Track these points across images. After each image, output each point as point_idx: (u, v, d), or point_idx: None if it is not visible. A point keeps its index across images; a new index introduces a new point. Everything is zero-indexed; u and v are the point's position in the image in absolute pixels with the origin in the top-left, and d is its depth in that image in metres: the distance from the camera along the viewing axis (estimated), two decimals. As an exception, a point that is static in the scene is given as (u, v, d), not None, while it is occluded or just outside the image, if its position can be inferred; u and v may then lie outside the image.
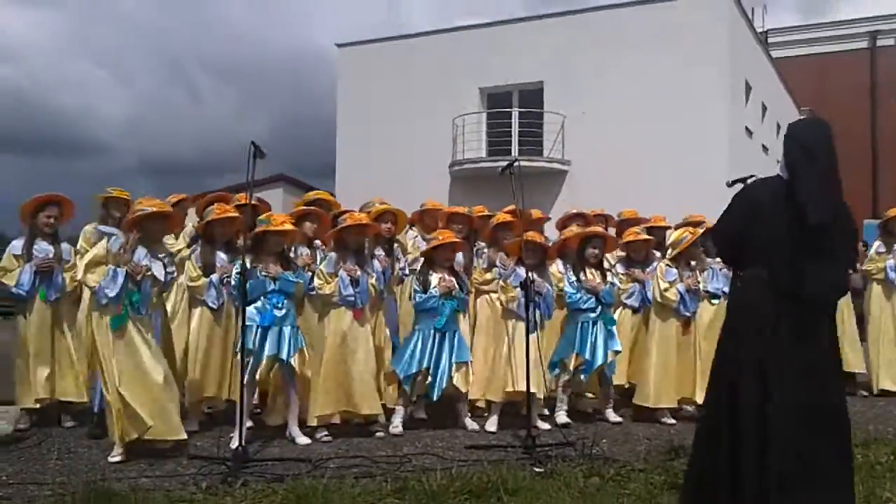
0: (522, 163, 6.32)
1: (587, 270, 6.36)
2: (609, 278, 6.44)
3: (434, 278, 5.95)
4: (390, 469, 4.74)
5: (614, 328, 6.38)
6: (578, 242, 6.49)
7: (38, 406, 5.84)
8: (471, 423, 6.07)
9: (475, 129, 19.27)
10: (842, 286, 3.60)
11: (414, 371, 5.86)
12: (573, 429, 6.03)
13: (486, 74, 19.50)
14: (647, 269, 6.76)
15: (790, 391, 3.29)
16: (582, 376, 6.34)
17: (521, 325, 5.78)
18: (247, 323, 5.30)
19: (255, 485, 4.40)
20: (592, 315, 6.25)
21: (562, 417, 6.23)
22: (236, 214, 5.91)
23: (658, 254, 7.04)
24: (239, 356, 5.17)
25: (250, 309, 5.31)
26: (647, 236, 6.91)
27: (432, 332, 5.88)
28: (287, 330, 5.44)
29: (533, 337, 5.74)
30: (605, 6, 18.70)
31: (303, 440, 5.49)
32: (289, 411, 5.63)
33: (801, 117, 25.22)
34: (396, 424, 5.93)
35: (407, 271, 6.79)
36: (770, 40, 27.01)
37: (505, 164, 5.94)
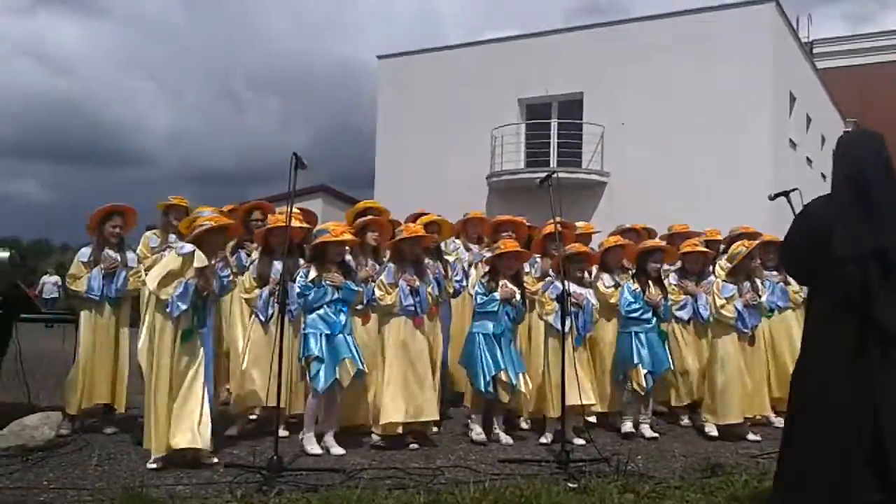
0: (561, 174, 6.35)
1: (650, 284, 6.37)
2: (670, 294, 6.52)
3: (500, 283, 6.00)
4: (423, 481, 4.73)
5: (666, 344, 6.39)
6: (638, 256, 6.52)
7: (83, 411, 5.95)
8: (505, 437, 6.05)
9: (514, 141, 19.28)
10: None
11: (491, 375, 5.85)
12: (610, 445, 5.97)
13: (524, 86, 19.51)
14: (702, 283, 6.71)
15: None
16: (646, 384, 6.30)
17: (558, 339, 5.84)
18: (310, 330, 5.50)
19: (289, 494, 4.43)
20: (648, 326, 6.26)
21: (627, 426, 6.30)
22: (297, 225, 6.02)
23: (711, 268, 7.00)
24: (278, 364, 5.21)
25: (312, 316, 5.52)
26: (705, 249, 6.86)
27: (491, 335, 5.92)
28: (350, 339, 5.56)
29: (570, 349, 5.73)
30: (645, 17, 18.62)
31: (338, 450, 5.52)
32: (329, 421, 5.66)
33: (848, 129, 24.82)
34: (479, 432, 5.99)
35: (461, 285, 6.90)
36: (815, 50, 26.66)
37: (543, 175, 5.95)
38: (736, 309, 6.24)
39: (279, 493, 4.44)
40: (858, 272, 3.25)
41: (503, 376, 5.85)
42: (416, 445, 5.76)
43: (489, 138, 19.45)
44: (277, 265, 5.95)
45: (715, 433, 6.30)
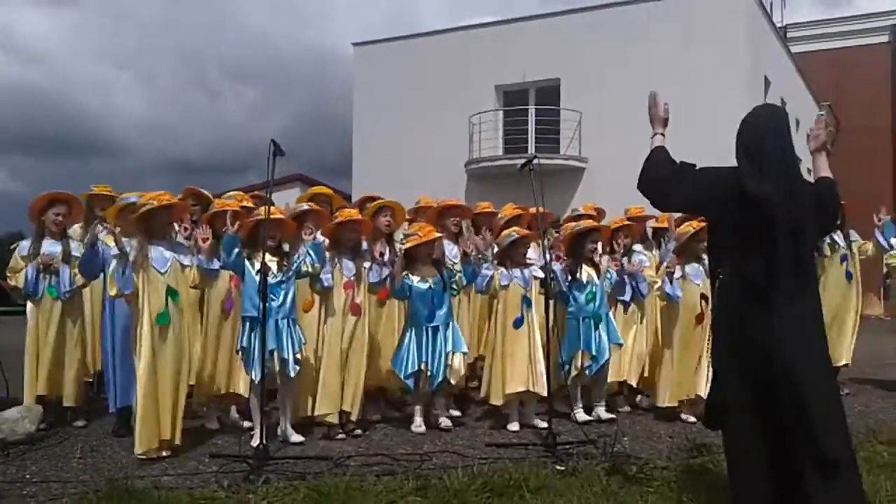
0: (540, 160, 6.27)
1: (583, 267, 6.26)
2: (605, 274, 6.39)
3: (414, 277, 5.86)
4: (411, 467, 4.72)
5: (613, 321, 6.33)
6: (572, 238, 6.38)
7: (38, 403, 5.82)
8: (445, 422, 5.98)
9: (491, 127, 19.26)
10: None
11: (413, 370, 5.80)
12: (594, 426, 5.99)
13: (502, 72, 19.49)
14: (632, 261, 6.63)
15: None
16: (586, 372, 6.22)
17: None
18: (246, 314, 5.33)
19: (276, 483, 4.40)
20: (587, 311, 6.17)
21: (581, 415, 6.20)
22: (235, 208, 5.74)
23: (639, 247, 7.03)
24: (240, 354, 5.35)
25: (247, 303, 5.32)
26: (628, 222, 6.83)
27: (423, 328, 5.83)
28: (284, 324, 5.36)
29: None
30: (622, 2, 18.63)
31: (296, 438, 5.41)
32: (283, 409, 5.55)
33: (822, 112, 25.08)
34: (419, 423, 5.91)
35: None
36: (789, 35, 26.86)
37: (523, 160, 5.92)
38: (666, 293, 6.16)
39: (266, 481, 4.41)
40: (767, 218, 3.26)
41: (424, 368, 5.79)
42: (343, 435, 5.64)
43: (467, 125, 19.42)
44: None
45: (692, 419, 6.27)
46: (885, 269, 8.95)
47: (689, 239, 6.24)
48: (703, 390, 6.16)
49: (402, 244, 6.20)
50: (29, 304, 5.89)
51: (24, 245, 5.90)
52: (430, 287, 5.85)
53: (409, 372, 5.79)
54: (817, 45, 27.59)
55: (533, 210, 6.29)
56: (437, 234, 6.07)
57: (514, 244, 6.10)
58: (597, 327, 6.17)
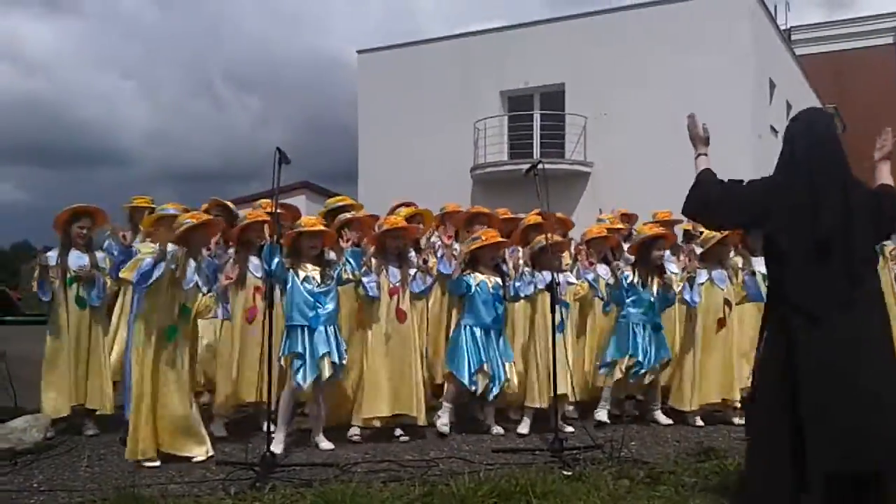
0: (545, 165, 6.27)
1: (651, 274, 6.29)
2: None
3: (478, 277, 5.94)
4: (418, 473, 4.72)
5: (663, 333, 6.35)
6: (640, 246, 6.44)
7: (65, 414, 5.87)
8: (496, 428, 6.04)
9: (496, 133, 19.27)
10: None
11: (474, 369, 5.81)
12: (602, 431, 5.97)
13: (506, 77, 19.50)
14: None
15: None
16: (631, 380, 6.28)
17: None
18: (292, 324, 5.40)
19: (283, 490, 4.39)
20: (644, 318, 6.20)
21: (602, 416, 6.22)
22: (268, 218, 5.87)
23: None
24: (282, 361, 5.38)
25: (294, 311, 5.40)
26: (607, 234, 6.74)
27: (479, 328, 5.89)
28: (331, 331, 5.44)
29: (561, 339, 5.76)
30: (625, 7, 18.65)
31: (327, 445, 5.48)
32: (317, 416, 5.62)
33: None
34: (445, 422, 5.91)
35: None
36: (793, 37, 26.82)
37: (529, 165, 5.92)
38: (685, 285, 6.19)
39: (273, 488, 4.41)
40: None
41: (486, 368, 5.82)
42: (406, 438, 5.72)
43: (472, 131, 19.43)
44: (255, 260, 5.87)
45: (700, 423, 6.29)
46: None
47: (716, 243, 6.27)
48: (728, 393, 6.20)
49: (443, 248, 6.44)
50: (53, 315, 5.88)
51: (51, 256, 5.96)
52: (491, 290, 5.93)
53: (473, 370, 5.80)
54: (822, 47, 27.54)
55: (548, 216, 6.35)
56: (502, 240, 6.15)
57: (543, 250, 6.08)
58: (647, 334, 6.19)
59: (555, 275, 5.75)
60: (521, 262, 6.24)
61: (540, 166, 5.78)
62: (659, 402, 6.49)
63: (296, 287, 5.41)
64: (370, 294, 5.68)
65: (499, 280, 6.00)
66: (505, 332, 6.10)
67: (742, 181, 3.70)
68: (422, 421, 5.81)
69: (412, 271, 5.98)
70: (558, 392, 5.60)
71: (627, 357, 6.14)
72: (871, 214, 3.40)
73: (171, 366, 5.08)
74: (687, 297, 6.16)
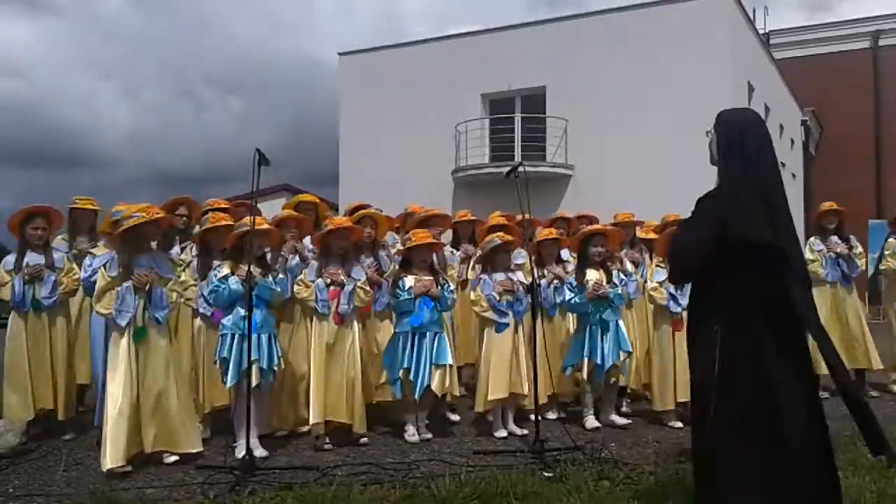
0: (526, 168, 6.27)
1: (589, 271, 6.26)
2: (614, 278, 6.31)
3: (409, 280, 5.88)
4: (398, 475, 4.71)
5: (623, 329, 6.30)
6: (579, 243, 6.40)
7: (30, 417, 5.78)
8: (424, 433, 5.93)
9: (478, 136, 19.28)
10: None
11: (396, 375, 5.78)
12: (581, 433, 5.98)
13: (487, 80, 19.51)
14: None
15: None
16: (595, 380, 6.23)
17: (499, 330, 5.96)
18: (224, 331, 5.31)
19: (263, 493, 4.38)
20: (595, 318, 6.16)
21: (591, 422, 6.21)
22: (231, 222, 5.82)
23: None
24: (218, 364, 5.32)
25: (228, 318, 5.31)
26: (556, 236, 6.77)
27: (409, 333, 5.81)
28: (264, 338, 5.32)
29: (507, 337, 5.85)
30: (606, 10, 18.71)
31: (261, 452, 5.26)
32: (253, 421, 5.33)
33: (805, 119, 25.14)
34: (412, 433, 5.86)
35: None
36: (772, 41, 27.03)
37: (509, 168, 5.92)
38: (666, 292, 6.20)
39: (252, 492, 4.39)
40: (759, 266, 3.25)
41: (406, 374, 5.75)
42: (329, 445, 5.56)
43: (453, 133, 19.44)
44: (216, 263, 5.70)
45: (679, 424, 6.28)
46: (871, 271, 9.03)
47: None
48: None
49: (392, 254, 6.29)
50: (12, 319, 5.86)
51: (9, 260, 5.92)
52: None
53: (395, 375, 5.78)
54: (800, 51, 27.74)
55: (520, 218, 6.33)
56: (434, 241, 6.11)
57: (496, 249, 6.10)
58: (603, 334, 6.14)
59: (535, 277, 5.76)
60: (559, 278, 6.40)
61: (521, 168, 5.78)
62: (614, 403, 6.48)
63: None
64: (320, 311, 5.62)
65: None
66: (444, 335, 5.97)
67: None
68: (357, 427, 5.65)
69: (360, 275, 5.85)
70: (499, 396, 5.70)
71: (587, 360, 6.12)
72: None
73: (150, 365, 5.02)
74: (672, 307, 6.16)
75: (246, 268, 5.16)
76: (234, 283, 5.27)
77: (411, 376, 5.75)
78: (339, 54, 21.85)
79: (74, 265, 6.08)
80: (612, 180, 16.72)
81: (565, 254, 6.89)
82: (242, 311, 5.19)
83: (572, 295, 6.20)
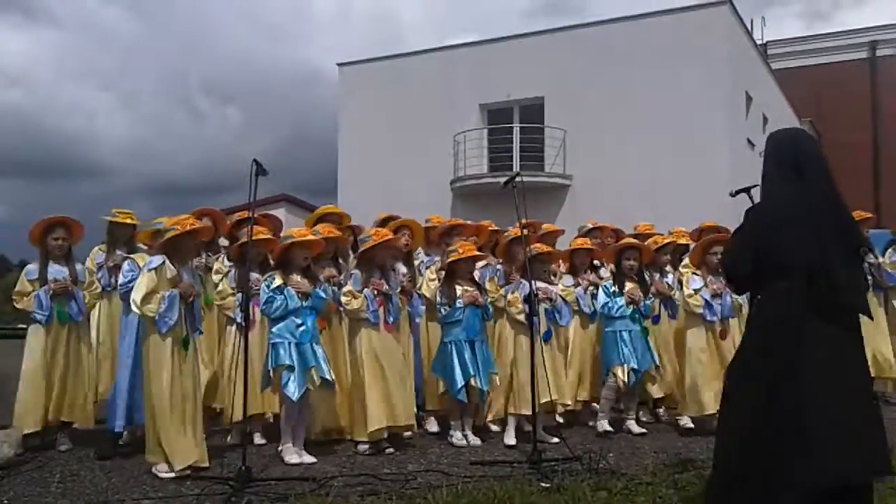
0: (524, 178, 6.29)
1: (626, 283, 6.45)
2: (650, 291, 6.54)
3: (458, 290, 5.98)
4: (395, 487, 4.68)
5: (648, 340, 6.43)
6: (616, 255, 6.61)
7: (38, 429, 5.77)
8: (473, 439, 6.04)
9: (476, 146, 19.31)
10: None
11: (464, 383, 5.83)
12: (580, 443, 5.96)
13: (486, 91, 19.57)
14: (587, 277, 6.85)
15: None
16: (630, 387, 6.37)
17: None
18: (277, 339, 5.40)
19: (258, 504, 4.36)
20: (628, 324, 6.32)
21: (604, 425, 6.28)
22: (270, 236, 6.04)
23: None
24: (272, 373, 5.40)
25: (280, 325, 5.40)
26: (591, 246, 6.90)
27: (463, 341, 5.91)
28: (318, 347, 5.46)
29: (539, 348, 5.77)
30: (604, 21, 18.78)
31: (308, 459, 5.41)
32: (297, 429, 5.56)
33: (803, 128, 25.18)
34: (460, 437, 5.97)
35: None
36: (770, 51, 27.11)
37: (507, 178, 5.93)
38: (703, 299, 6.27)
39: (248, 503, 4.37)
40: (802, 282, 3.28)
41: (473, 382, 5.84)
42: (391, 450, 5.68)
43: (452, 144, 19.47)
44: (255, 274, 5.84)
45: (690, 425, 6.33)
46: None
47: (700, 250, 6.46)
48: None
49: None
50: (32, 329, 5.84)
51: (31, 269, 5.92)
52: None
53: (460, 385, 5.83)
54: (798, 61, 27.84)
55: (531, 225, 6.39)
56: (478, 253, 6.19)
57: (534, 259, 6.09)
58: (633, 340, 6.28)
59: (534, 284, 5.76)
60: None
61: (518, 179, 5.79)
62: (634, 411, 6.55)
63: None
64: (372, 321, 5.73)
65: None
66: (487, 344, 6.11)
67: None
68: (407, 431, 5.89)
69: (396, 286, 5.98)
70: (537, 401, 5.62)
71: (623, 365, 6.22)
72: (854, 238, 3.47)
73: (189, 377, 5.13)
74: (709, 316, 6.28)
75: (296, 278, 5.44)
76: (291, 297, 5.40)
77: (478, 385, 5.86)
78: (338, 65, 21.91)
79: (95, 279, 6.17)
80: (611, 190, 16.75)
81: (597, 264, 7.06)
82: (298, 320, 5.38)
83: (607, 299, 6.37)
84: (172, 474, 4.96)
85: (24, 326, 5.98)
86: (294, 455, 5.41)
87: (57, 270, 5.88)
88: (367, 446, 5.67)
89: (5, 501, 4.54)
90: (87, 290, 6.02)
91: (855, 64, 27.53)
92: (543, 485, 4.68)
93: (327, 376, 5.42)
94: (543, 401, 5.81)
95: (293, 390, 5.29)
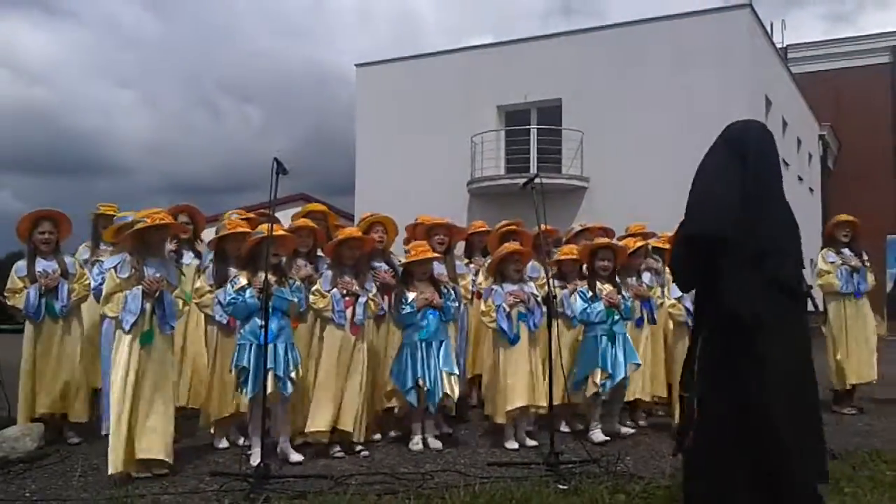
0: (542, 179, 6.27)
1: (599, 284, 6.30)
2: (623, 291, 6.35)
3: (411, 294, 5.92)
4: (413, 486, 4.69)
5: (630, 341, 6.30)
6: (588, 256, 6.43)
7: (38, 421, 5.79)
8: (434, 443, 5.93)
9: (493, 147, 19.33)
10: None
11: (410, 384, 5.80)
12: (598, 446, 5.95)
13: (503, 92, 19.58)
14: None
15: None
16: (602, 390, 6.18)
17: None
18: (242, 341, 5.31)
19: (277, 501, 4.38)
20: (605, 328, 6.17)
21: (598, 436, 6.16)
22: (248, 229, 5.84)
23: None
24: (234, 372, 5.32)
25: (245, 327, 5.31)
26: (575, 257, 6.65)
27: (418, 343, 5.84)
28: (282, 347, 5.32)
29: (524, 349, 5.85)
30: (622, 23, 18.76)
31: (296, 457, 5.36)
32: (281, 429, 5.49)
33: (823, 133, 24.98)
34: (416, 441, 5.89)
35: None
36: (790, 55, 26.98)
37: (525, 180, 5.94)
38: (685, 308, 6.18)
39: (266, 500, 4.39)
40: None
41: (421, 384, 5.77)
42: (341, 454, 5.58)
43: (469, 145, 19.49)
44: (234, 270, 5.70)
45: None
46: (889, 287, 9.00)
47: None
48: None
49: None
50: (27, 324, 5.89)
51: (21, 266, 5.92)
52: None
53: (408, 386, 5.80)
54: (818, 65, 27.69)
55: (537, 229, 6.34)
56: (432, 255, 6.11)
57: (505, 259, 6.10)
58: (613, 345, 6.15)
59: (552, 288, 5.75)
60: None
61: (537, 180, 5.79)
62: (618, 413, 6.48)
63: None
64: (337, 321, 5.62)
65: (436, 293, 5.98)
66: (449, 342, 6.03)
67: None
68: (356, 437, 5.63)
69: (371, 287, 5.86)
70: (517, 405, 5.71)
71: (599, 370, 6.09)
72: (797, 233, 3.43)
73: (152, 373, 4.96)
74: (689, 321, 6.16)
75: (262, 276, 5.16)
76: (251, 297, 5.29)
77: (427, 386, 5.77)
78: (357, 66, 21.99)
79: (86, 271, 6.10)
80: (628, 192, 16.70)
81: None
82: (260, 321, 5.16)
83: (585, 304, 6.21)
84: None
85: (22, 323, 6.01)
86: (293, 454, 5.39)
87: (45, 265, 5.88)
88: (337, 448, 5.60)
89: (27, 494, 4.59)
90: (78, 282, 5.96)
91: (876, 68, 27.36)
92: (561, 487, 4.67)
93: (280, 374, 5.24)
94: (519, 405, 5.85)
95: (248, 391, 5.20)
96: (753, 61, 17.78)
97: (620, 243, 6.81)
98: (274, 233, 5.24)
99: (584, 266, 6.52)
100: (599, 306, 6.17)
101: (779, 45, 24.41)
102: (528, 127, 19.48)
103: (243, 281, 5.37)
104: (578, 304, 6.28)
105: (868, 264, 7.80)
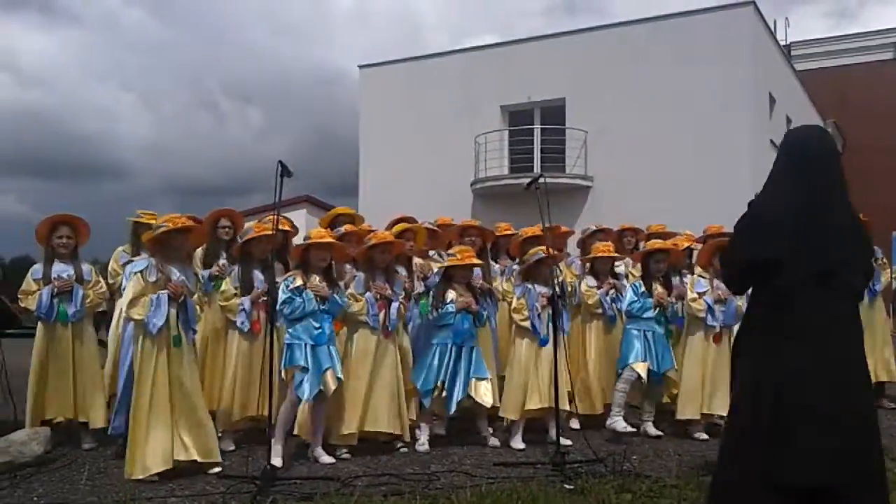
0: (546, 179, 6.28)
1: (654, 285, 6.47)
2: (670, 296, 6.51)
3: (451, 294, 5.95)
4: (419, 487, 4.70)
5: (669, 347, 6.44)
6: (643, 258, 6.63)
7: (48, 426, 5.81)
8: (493, 440, 6.04)
9: (497, 147, 19.31)
10: None
11: (431, 386, 5.84)
12: (603, 445, 5.95)
13: (507, 92, 19.56)
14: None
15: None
16: (652, 386, 6.42)
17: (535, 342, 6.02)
18: (294, 341, 5.39)
19: (284, 503, 4.39)
20: (651, 325, 6.34)
21: (620, 424, 6.20)
22: (270, 232, 5.87)
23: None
24: (268, 374, 5.21)
25: (296, 326, 5.40)
26: (613, 254, 6.86)
27: (449, 346, 5.88)
28: (333, 349, 5.46)
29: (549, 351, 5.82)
30: (626, 22, 18.72)
31: (327, 459, 5.46)
32: (316, 430, 5.59)
33: (828, 129, 24.98)
34: (423, 442, 5.90)
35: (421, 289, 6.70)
36: (794, 52, 26.90)
37: (529, 179, 5.94)
38: (706, 303, 6.23)
39: (273, 502, 4.40)
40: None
41: (437, 391, 5.83)
42: (405, 450, 5.66)
43: (472, 145, 19.48)
44: (258, 274, 5.85)
45: (704, 437, 6.28)
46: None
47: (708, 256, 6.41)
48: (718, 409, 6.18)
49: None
50: (39, 327, 5.89)
51: (37, 269, 5.95)
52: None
53: (428, 387, 5.83)
54: (822, 62, 27.61)
55: (551, 229, 6.38)
56: (477, 262, 6.14)
57: (539, 262, 6.12)
58: (655, 343, 6.31)
59: (556, 286, 5.77)
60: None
61: (541, 180, 5.80)
62: (653, 412, 6.52)
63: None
64: (372, 324, 5.71)
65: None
66: (478, 350, 6.05)
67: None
68: (404, 435, 5.78)
69: (400, 290, 5.94)
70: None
71: (644, 362, 6.22)
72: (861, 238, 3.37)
73: (183, 374, 5.07)
74: (710, 321, 6.25)
75: (316, 280, 5.44)
76: (310, 301, 5.40)
77: (446, 390, 5.82)
78: (360, 67, 22.00)
79: (101, 279, 6.15)
80: (632, 192, 16.67)
81: (620, 268, 7.09)
82: (315, 323, 5.38)
83: (635, 298, 6.39)
84: (217, 469, 5.04)
85: (33, 326, 6.02)
86: (325, 456, 5.48)
87: (62, 269, 5.90)
88: (344, 450, 5.65)
89: (34, 498, 4.60)
90: (91, 289, 5.99)
91: (880, 65, 27.26)
92: (567, 486, 4.68)
93: (340, 375, 5.42)
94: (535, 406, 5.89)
95: (306, 391, 5.28)
96: (757, 59, 17.73)
97: (672, 245, 6.89)
98: (321, 239, 5.53)
99: (640, 265, 6.75)
100: (650, 303, 6.35)
101: (782, 43, 24.34)
102: (531, 127, 19.46)
103: (299, 281, 5.46)
104: (629, 295, 6.46)
105: (883, 261, 7.79)
